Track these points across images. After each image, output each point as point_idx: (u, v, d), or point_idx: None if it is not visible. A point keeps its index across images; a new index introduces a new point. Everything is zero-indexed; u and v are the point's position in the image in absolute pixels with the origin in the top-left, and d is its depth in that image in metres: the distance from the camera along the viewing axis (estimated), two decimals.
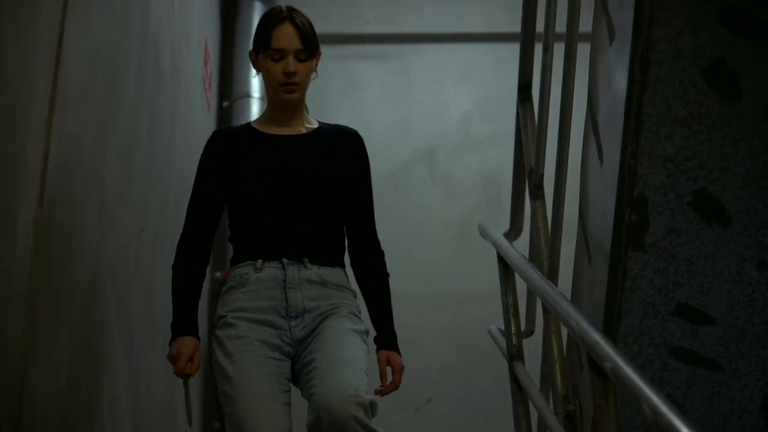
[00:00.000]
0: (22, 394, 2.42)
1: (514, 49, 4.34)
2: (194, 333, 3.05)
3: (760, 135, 2.77)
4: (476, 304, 6.20)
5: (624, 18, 2.77)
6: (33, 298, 2.48)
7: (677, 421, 1.92)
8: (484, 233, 4.03)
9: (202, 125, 5.45)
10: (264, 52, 3.15)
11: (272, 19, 3.16)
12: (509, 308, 3.70)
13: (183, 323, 3.05)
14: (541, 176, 3.53)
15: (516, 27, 4.07)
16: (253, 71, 3.26)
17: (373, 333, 3.22)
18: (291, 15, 3.17)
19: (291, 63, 3.11)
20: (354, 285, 3.23)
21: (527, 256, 3.58)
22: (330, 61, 4.28)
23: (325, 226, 3.17)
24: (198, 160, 3.20)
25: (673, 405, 1.99)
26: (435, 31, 6.80)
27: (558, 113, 3.19)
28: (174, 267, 3.15)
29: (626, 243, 2.85)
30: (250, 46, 3.22)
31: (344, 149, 3.24)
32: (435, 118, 6.72)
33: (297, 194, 3.11)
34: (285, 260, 3.08)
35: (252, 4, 6.39)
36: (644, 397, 2.11)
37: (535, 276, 3.20)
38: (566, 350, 3.35)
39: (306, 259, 3.09)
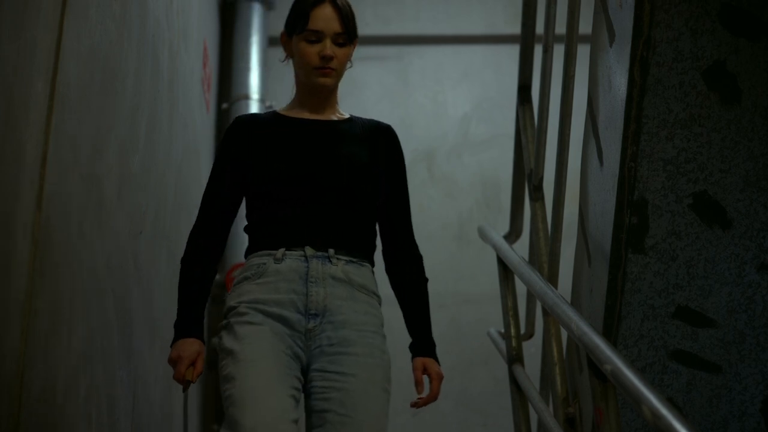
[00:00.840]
0: (21, 395, 2.41)
1: (513, 51, 4.35)
2: (199, 335, 2.82)
3: (760, 137, 2.76)
4: (475, 305, 6.20)
5: (624, 19, 2.76)
6: (31, 300, 2.47)
7: (677, 424, 1.92)
8: (483, 235, 4.03)
9: (201, 127, 5.45)
10: (299, 33, 2.93)
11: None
12: (509, 311, 3.70)
13: (187, 323, 2.82)
14: (541, 178, 3.53)
15: (515, 28, 4.07)
16: (284, 56, 3.05)
17: (406, 339, 3.02)
18: None
19: (328, 46, 2.90)
20: (386, 289, 3.01)
21: (527, 258, 3.58)
22: None
23: (355, 217, 2.91)
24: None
25: (673, 408, 1.98)
26: (434, 32, 6.80)
27: (558, 115, 3.18)
28: (184, 261, 2.92)
29: (626, 245, 2.85)
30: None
31: (380, 142, 3.06)
32: (434, 119, 6.72)
33: (328, 180, 2.88)
34: (309, 250, 2.82)
35: (251, 5, 6.38)
36: (644, 400, 2.11)
37: (535, 278, 3.20)
38: (566, 353, 3.34)
39: (332, 251, 2.83)
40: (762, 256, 2.87)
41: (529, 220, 3.63)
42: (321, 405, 2.74)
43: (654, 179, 2.80)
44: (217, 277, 5.57)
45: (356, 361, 2.77)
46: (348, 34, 2.94)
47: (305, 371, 2.79)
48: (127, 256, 3.50)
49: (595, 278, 3.05)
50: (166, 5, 4.21)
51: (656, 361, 2.99)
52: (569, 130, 3.20)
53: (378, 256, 3.02)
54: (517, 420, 3.62)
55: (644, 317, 2.94)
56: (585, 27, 3.16)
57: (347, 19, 2.93)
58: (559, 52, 3.24)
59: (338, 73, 2.96)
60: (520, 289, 3.68)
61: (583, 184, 3.27)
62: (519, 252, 3.65)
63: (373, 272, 2.94)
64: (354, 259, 2.87)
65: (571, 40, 3.16)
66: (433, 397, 2.98)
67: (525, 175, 3.75)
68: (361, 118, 3.09)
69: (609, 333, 2.93)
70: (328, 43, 2.90)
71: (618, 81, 2.82)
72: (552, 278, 3.31)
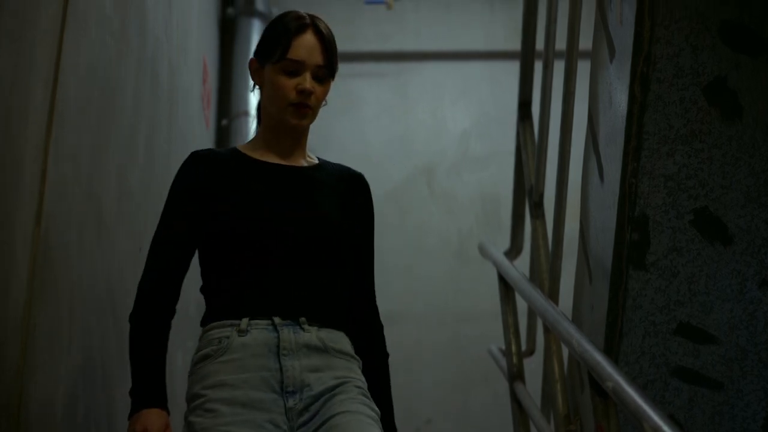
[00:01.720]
0: (20, 411, 2.40)
1: (512, 67, 4.35)
2: (163, 404, 2.42)
3: (761, 153, 2.76)
4: (475, 322, 6.18)
5: (624, 36, 2.76)
6: (30, 315, 2.46)
7: None
8: (484, 252, 4.03)
9: (201, 143, 5.44)
10: (275, 62, 2.57)
11: (291, 24, 2.58)
12: (510, 327, 3.70)
13: (149, 391, 2.41)
14: (542, 195, 3.53)
15: (515, 45, 4.07)
16: (252, 84, 2.73)
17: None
18: (314, 23, 2.59)
19: (308, 80, 2.53)
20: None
21: (528, 275, 3.57)
22: None
23: (328, 279, 2.55)
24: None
25: (675, 425, 1.98)
26: (433, 49, 6.80)
27: (558, 131, 3.18)
28: (134, 318, 2.48)
29: (627, 262, 2.84)
30: (251, 54, 2.67)
31: (351, 194, 2.68)
32: (434, 135, 6.72)
33: (298, 237, 2.51)
34: (277, 320, 2.45)
35: (251, 21, 6.39)
36: (646, 418, 2.10)
37: (536, 295, 3.19)
38: (567, 370, 3.33)
39: (303, 319, 2.46)
40: (763, 273, 2.86)
41: (530, 236, 3.62)
42: None
43: (655, 195, 2.79)
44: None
45: (343, 399, 2.44)
46: (329, 68, 2.59)
47: None
48: (126, 272, 3.49)
49: (596, 295, 3.04)
50: (166, 21, 4.21)
51: (658, 378, 2.98)
52: (570, 146, 3.20)
53: None
54: None
55: (645, 334, 2.93)
56: (585, 43, 3.16)
57: (330, 50, 2.59)
58: (559, 68, 3.24)
59: (314, 113, 2.61)
60: (521, 305, 3.67)
61: (583, 201, 3.26)
62: (520, 268, 3.64)
63: (348, 337, 2.57)
64: (328, 325, 2.51)
65: (572, 56, 3.16)
66: None
67: (525, 191, 3.75)
68: (330, 164, 2.72)
69: (610, 350, 2.92)
70: (308, 76, 2.55)
71: (618, 97, 2.81)
72: (553, 295, 3.30)
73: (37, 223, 2.51)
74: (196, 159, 2.60)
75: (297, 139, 2.65)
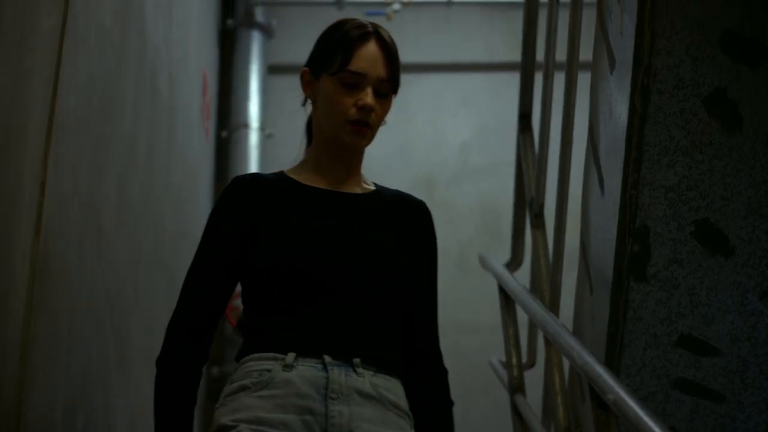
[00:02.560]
0: (19, 423, 2.39)
1: (512, 78, 4.34)
2: None
3: (762, 164, 2.75)
4: (476, 334, 6.17)
5: (624, 47, 2.76)
6: (29, 327, 2.46)
7: None
8: (484, 264, 4.02)
9: (200, 155, 5.44)
10: (333, 73, 2.28)
11: (352, 31, 2.31)
12: (510, 339, 3.68)
13: None
14: (542, 206, 3.52)
15: (515, 56, 4.07)
16: (303, 98, 2.42)
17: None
18: (378, 31, 2.34)
19: (369, 95, 2.26)
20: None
21: (528, 286, 3.56)
22: None
23: (384, 318, 2.28)
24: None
25: None
26: (433, 60, 6.81)
27: (558, 143, 3.17)
28: (162, 364, 2.22)
29: (628, 273, 2.83)
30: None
31: (411, 224, 2.43)
32: (433, 146, 6.72)
33: (352, 272, 2.24)
34: (328, 359, 2.16)
35: (250, 33, 6.38)
36: (647, 430, 2.09)
37: (536, 307, 3.18)
38: (568, 382, 3.32)
39: (357, 361, 2.18)
40: (765, 284, 2.85)
41: (530, 248, 3.61)
42: None
43: (655, 207, 2.79)
44: (215, 369, 5.59)
45: None
46: (393, 83, 2.34)
47: None
48: (126, 285, 3.49)
49: (596, 306, 3.03)
50: (165, 33, 4.21)
51: (659, 390, 2.97)
52: (570, 157, 3.19)
53: None
54: None
55: (646, 346, 2.92)
56: (585, 54, 3.16)
57: (394, 63, 2.35)
58: (559, 79, 3.24)
59: (373, 133, 2.32)
60: (522, 317, 3.66)
61: (584, 212, 3.26)
62: (520, 280, 3.63)
63: (403, 387, 2.29)
64: (384, 371, 2.23)
65: (572, 67, 3.16)
66: None
67: (526, 202, 3.74)
68: (388, 189, 2.46)
69: (611, 362, 2.91)
70: (369, 91, 2.27)
71: (619, 108, 2.81)
72: (553, 307, 3.29)
73: (37, 235, 2.51)
74: (239, 185, 2.35)
75: (352, 161, 2.38)
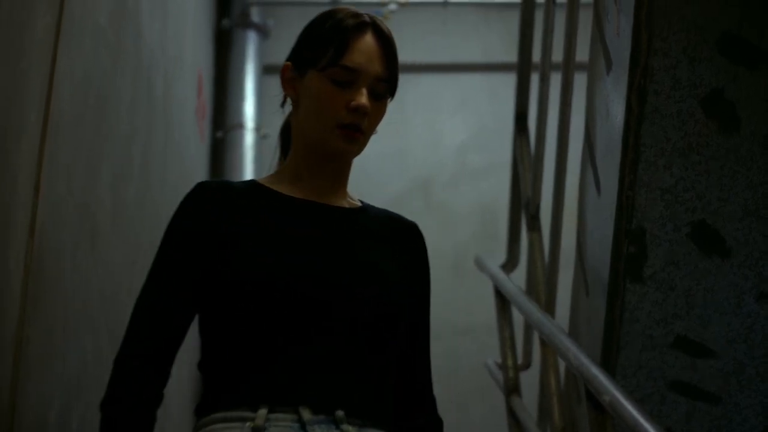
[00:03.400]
0: (13, 424, 2.39)
1: (511, 79, 4.34)
2: None
3: (759, 165, 2.75)
4: (472, 336, 6.16)
5: (621, 47, 2.75)
6: (23, 330, 2.45)
7: None
8: (480, 266, 4.02)
9: (196, 156, 5.43)
10: (324, 68, 1.93)
11: (347, 21, 1.95)
12: (506, 341, 3.68)
13: None
14: (538, 207, 3.52)
15: (512, 57, 4.06)
16: (282, 98, 2.07)
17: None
18: (375, 22, 2.00)
19: (364, 95, 1.92)
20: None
21: (524, 288, 3.56)
22: None
23: (375, 359, 1.90)
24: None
25: None
26: (430, 61, 6.80)
27: (555, 143, 3.17)
28: (106, 408, 1.83)
29: (624, 275, 2.83)
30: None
31: (403, 248, 2.08)
32: (431, 148, 6.71)
33: (339, 301, 1.87)
34: (306, 413, 1.78)
35: (246, 33, 6.37)
36: None
37: (532, 308, 3.18)
38: (564, 383, 3.32)
39: (341, 414, 1.80)
40: (761, 286, 2.85)
41: (527, 249, 3.61)
42: None
43: (652, 208, 2.78)
44: None
45: None
46: (391, 82, 2.01)
47: None
48: (120, 287, 3.48)
49: (593, 308, 3.03)
50: (161, 33, 4.21)
51: (655, 392, 2.97)
52: (566, 158, 3.19)
53: None
54: None
55: (643, 347, 2.92)
56: (582, 55, 3.16)
57: (393, 60, 2.01)
58: (556, 80, 3.24)
59: (365, 140, 1.97)
60: (518, 319, 3.65)
61: (580, 213, 3.25)
62: (516, 282, 3.63)
63: None
64: (372, 424, 1.87)
65: (568, 68, 3.15)
66: None
67: (522, 204, 3.74)
68: (375, 208, 2.13)
69: (607, 363, 2.91)
70: (364, 91, 1.93)
71: (615, 109, 2.80)
72: (549, 308, 3.29)
73: (31, 235, 2.50)
74: (203, 191, 1.96)
75: (338, 173, 2.02)
